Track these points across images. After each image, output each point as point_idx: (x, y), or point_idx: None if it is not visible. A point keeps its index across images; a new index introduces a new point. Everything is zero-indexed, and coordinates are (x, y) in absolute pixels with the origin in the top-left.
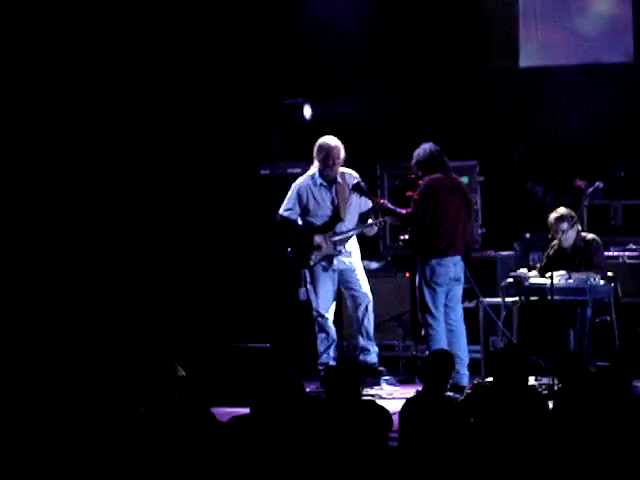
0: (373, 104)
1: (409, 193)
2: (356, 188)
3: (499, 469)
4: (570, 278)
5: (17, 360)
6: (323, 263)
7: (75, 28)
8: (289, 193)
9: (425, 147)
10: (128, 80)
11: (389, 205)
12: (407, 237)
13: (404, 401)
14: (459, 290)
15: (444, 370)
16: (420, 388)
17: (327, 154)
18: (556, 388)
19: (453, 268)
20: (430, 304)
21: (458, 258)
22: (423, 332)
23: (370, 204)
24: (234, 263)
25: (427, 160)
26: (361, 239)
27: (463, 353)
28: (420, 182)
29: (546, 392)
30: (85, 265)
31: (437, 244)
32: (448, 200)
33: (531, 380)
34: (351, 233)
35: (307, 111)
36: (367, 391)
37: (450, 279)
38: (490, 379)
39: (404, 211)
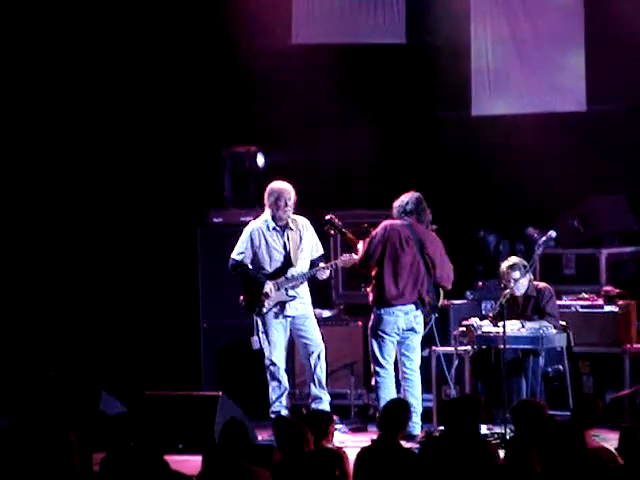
0: (326, 152)
1: (359, 241)
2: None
3: None
4: (523, 327)
5: None
6: (275, 310)
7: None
8: (241, 237)
9: (403, 197)
10: (82, 124)
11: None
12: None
13: (358, 450)
14: (415, 339)
15: (401, 418)
16: (373, 437)
17: (278, 196)
18: (508, 437)
19: (404, 317)
20: (377, 353)
21: (411, 307)
22: (373, 381)
23: (321, 250)
24: (186, 310)
25: (412, 205)
26: (313, 287)
27: (416, 402)
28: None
29: (498, 441)
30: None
31: (384, 294)
32: (397, 248)
33: (483, 429)
34: (303, 278)
35: (260, 159)
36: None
37: (401, 329)
38: (442, 428)
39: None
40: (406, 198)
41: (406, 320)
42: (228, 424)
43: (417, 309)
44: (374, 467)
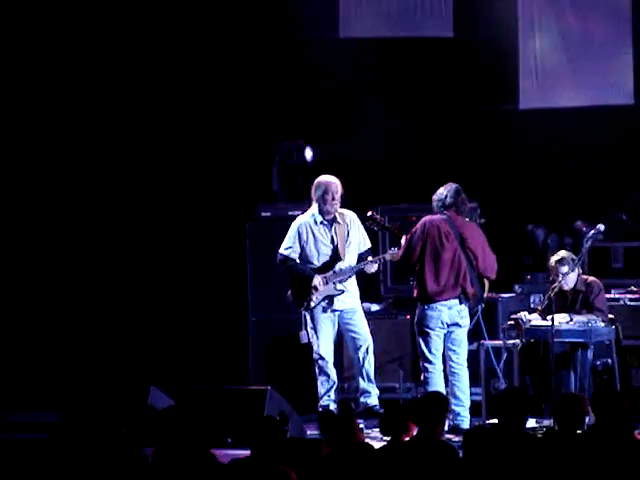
0: (374, 146)
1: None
2: (370, 220)
3: None
4: (572, 320)
5: None
6: (323, 304)
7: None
8: (289, 232)
9: (442, 189)
10: (129, 119)
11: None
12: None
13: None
14: (461, 333)
15: (437, 412)
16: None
17: (325, 190)
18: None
19: (447, 313)
20: (424, 349)
21: (454, 302)
22: (422, 376)
23: (369, 244)
24: (234, 303)
25: (436, 204)
26: (362, 281)
27: (464, 395)
28: None
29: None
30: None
31: (426, 290)
32: (438, 243)
33: (532, 422)
34: (351, 272)
35: (308, 153)
36: (368, 433)
37: (446, 324)
38: (491, 421)
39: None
40: (445, 191)
41: (450, 315)
42: (263, 420)
43: (461, 303)
44: (413, 461)
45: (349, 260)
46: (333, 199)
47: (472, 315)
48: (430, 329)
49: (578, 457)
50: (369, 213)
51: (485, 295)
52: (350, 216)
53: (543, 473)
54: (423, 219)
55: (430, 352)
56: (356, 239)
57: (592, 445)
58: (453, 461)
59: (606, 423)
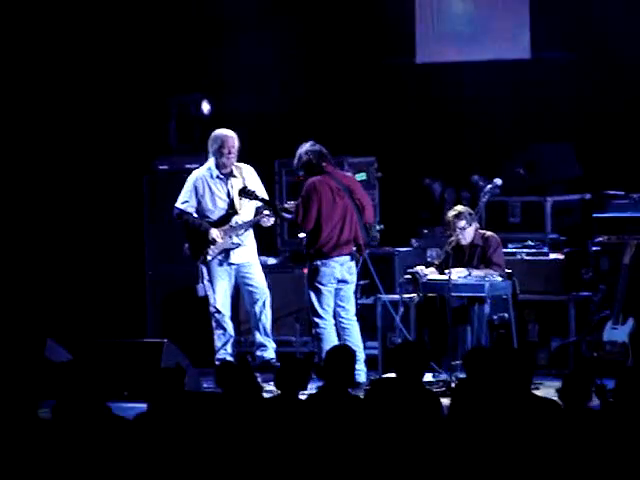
0: (271, 100)
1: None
2: (242, 192)
3: (398, 467)
4: (470, 275)
5: None
6: (220, 257)
7: None
8: (185, 186)
9: (303, 150)
10: (28, 70)
11: (279, 209)
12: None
13: (305, 398)
14: (349, 289)
15: (346, 365)
16: (319, 384)
17: (222, 144)
18: (453, 385)
19: (339, 269)
20: (316, 304)
21: (346, 258)
22: (313, 331)
23: (266, 196)
24: (131, 257)
25: (306, 163)
26: (259, 234)
27: (358, 350)
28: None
29: (443, 389)
30: None
31: (321, 246)
32: (331, 202)
33: (428, 377)
34: (247, 225)
35: (205, 106)
36: (264, 386)
37: (337, 280)
38: (388, 375)
39: (290, 217)
40: (317, 147)
41: (341, 271)
42: (161, 371)
43: (352, 260)
44: (321, 415)
45: (245, 214)
46: (230, 153)
47: (357, 261)
48: (322, 285)
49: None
50: (240, 186)
51: (369, 241)
52: (247, 169)
53: (442, 427)
54: (310, 181)
55: (322, 307)
56: (251, 187)
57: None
58: (360, 414)
59: (503, 378)
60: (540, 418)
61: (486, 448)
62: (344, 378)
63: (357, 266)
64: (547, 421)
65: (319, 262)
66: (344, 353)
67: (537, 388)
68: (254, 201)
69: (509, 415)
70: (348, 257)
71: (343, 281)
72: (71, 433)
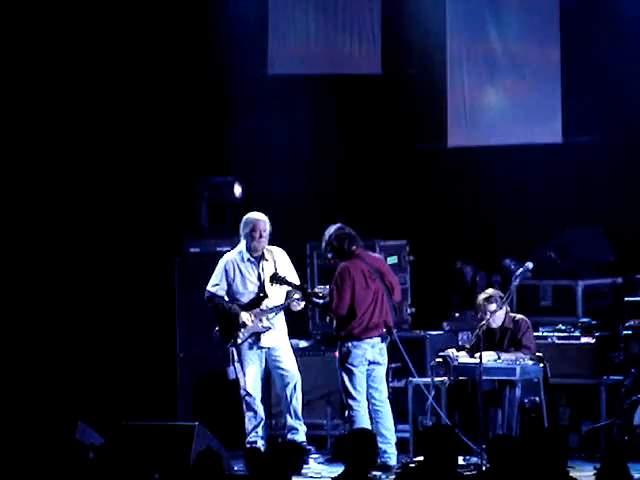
0: (303, 182)
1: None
2: (273, 278)
3: None
4: (499, 358)
5: None
6: (250, 341)
7: None
8: (216, 269)
9: (332, 235)
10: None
11: (310, 294)
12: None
13: None
14: (381, 371)
15: (365, 449)
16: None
17: (253, 227)
18: (484, 468)
19: (371, 351)
20: (349, 386)
21: (377, 340)
22: (346, 414)
23: (298, 281)
24: (163, 340)
25: (337, 248)
26: (290, 317)
27: (389, 432)
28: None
29: (474, 472)
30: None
31: (351, 329)
32: (364, 285)
33: (459, 460)
34: (278, 309)
35: (237, 189)
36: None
37: (368, 361)
38: (419, 458)
39: (321, 302)
40: (346, 230)
41: (372, 352)
42: (202, 454)
43: (382, 341)
44: None
45: (276, 297)
46: (261, 236)
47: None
48: (354, 366)
49: None
50: (271, 272)
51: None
52: (278, 253)
53: None
54: (343, 266)
55: (355, 389)
56: (281, 273)
57: None
58: None
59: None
60: None
61: None
62: (364, 461)
63: (387, 347)
64: None
65: (350, 344)
66: (364, 437)
67: (568, 472)
68: (285, 286)
69: None
70: (379, 339)
71: (374, 362)
72: None
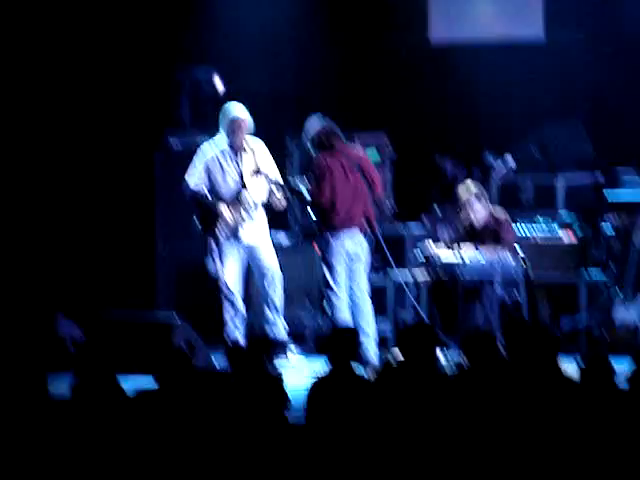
0: (285, 77)
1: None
2: (255, 173)
3: (409, 447)
4: (479, 253)
5: None
6: (229, 233)
7: None
8: (194, 160)
9: (312, 127)
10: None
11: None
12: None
13: (313, 374)
14: (361, 266)
15: (349, 346)
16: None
17: (233, 120)
18: (463, 364)
19: (351, 242)
20: (329, 279)
21: (357, 233)
22: (326, 307)
23: (277, 175)
24: (142, 233)
25: (317, 141)
26: (270, 211)
27: (369, 327)
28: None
29: (455, 370)
30: None
31: (332, 221)
32: (343, 177)
33: (440, 357)
34: (257, 203)
35: (219, 83)
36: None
37: (349, 255)
38: (398, 351)
39: (303, 194)
40: (326, 123)
41: (353, 245)
42: (170, 352)
43: (363, 235)
44: (327, 396)
45: (255, 190)
46: (240, 130)
47: (372, 244)
48: (334, 259)
49: (492, 394)
50: (254, 167)
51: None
52: (258, 144)
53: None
54: (322, 157)
55: (335, 281)
56: (264, 169)
57: (505, 382)
58: (369, 395)
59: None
60: (568, 396)
61: (507, 430)
62: (348, 356)
63: (368, 241)
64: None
65: (329, 235)
66: (347, 332)
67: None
68: (265, 180)
69: (536, 393)
70: (359, 232)
71: (355, 256)
72: (84, 410)
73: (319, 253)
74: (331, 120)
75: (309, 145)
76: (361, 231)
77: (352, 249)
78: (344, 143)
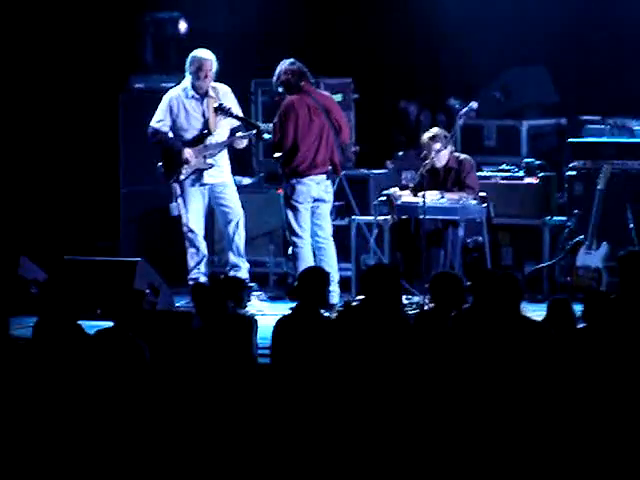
0: (249, 20)
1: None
2: (218, 109)
3: (370, 387)
4: (443, 198)
5: None
6: (193, 177)
7: None
8: (160, 105)
9: (282, 68)
10: None
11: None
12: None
13: (277, 318)
14: (325, 208)
15: (319, 287)
16: (291, 305)
17: (199, 66)
18: (426, 307)
19: (316, 188)
20: (293, 223)
21: (322, 177)
22: (290, 251)
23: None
24: (106, 176)
25: (285, 82)
26: (234, 155)
27: (333, 270)
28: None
29: (416, 311)
30: None
31: (297, 164)
32: (308, 120)
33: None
34: (221, 146)
35: (182, 25)
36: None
37: (313, 198)
38: (360, 297)
39: (267, 137)
40: (296, 65)
41: (318, 189)
42: (127, 292)
43: (328, 178)
44: (293, 336)
45: (220, 134)
46: (206, 76)
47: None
48: (299, 203)
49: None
50: (216, 104)
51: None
52: (223, 90)
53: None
54: (287, 100)
55: (299, 226)
56: (226, 105)
57: (471, 324)
58: (333, 336)
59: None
60: (531, 340)
61: (475, 372)
62: (317, 299)
63: (333, 186)
64: (538, 343)
65: (295, 181)
66: (317, 274)
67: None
68: (229, 121)
69: (501, 338)
70: (324, 176)
71: (320, 200)
72: (45, 350)
73: (284, 197)
74: (302, 64)
75: (277, 85)
76: (326, 175)
77: (317, 194)
78: (313, 87)
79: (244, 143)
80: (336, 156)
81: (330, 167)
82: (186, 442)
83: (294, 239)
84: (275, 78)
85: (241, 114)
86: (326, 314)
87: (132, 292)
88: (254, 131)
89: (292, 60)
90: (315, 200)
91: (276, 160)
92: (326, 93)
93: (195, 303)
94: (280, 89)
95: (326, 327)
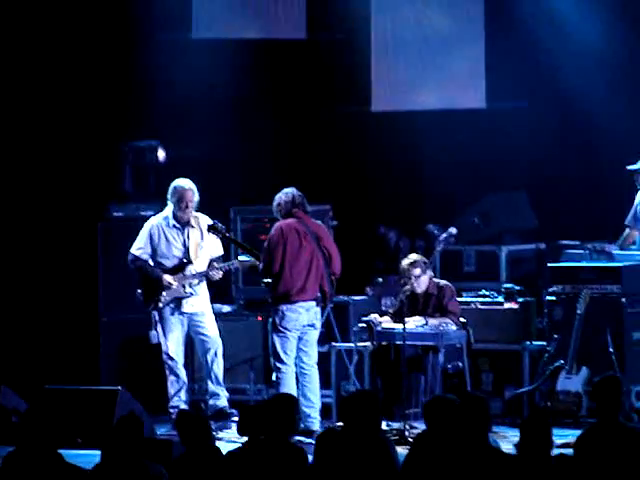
0: (228, 148)
1: (263, 237)
2: (212, 229)
3: None
4: (426, 324)
5: None
6: (172, 306)
7: None
8: (141, 232)
9: (277, 195)
10: None
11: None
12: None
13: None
14: (313, 335)
15: (286, 414)
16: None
17: (181, 197)
18: (407, 434)
19: (305, 314)
20: (279, 349)
21: (312, 304)
22: (274, 377)
23: (221, 250)
24: (85, 304)
25: (280, 205)
26: (214, 282)
27: (315, 397)
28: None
29: (396, 438)
30: None
31: (286, 290)
32: (298, 245)
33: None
34: (200, 276)
35: (161, 153)
36: (217, 434)
37: (302, 325)
38: (341, 424)
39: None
40: (285, 196)
41: (308, 316)
42: (123, 418)
43: (317, 305)
44: (261, 463)
45: (199, 264)
46: (187, 207)
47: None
48: (287, 330)
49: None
50: (210, 222)
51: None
52: (203, 219)
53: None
54: (278, 224)
55: (285, 352)
56: (209, 244)
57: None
58: (302, 464)
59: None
60: (497, 470)
61: None
62: (286, 427)
63: (323, 314)
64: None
65: (285, 307)
66: (287, 402)
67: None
68: (209, 251)
69: (467, 467)
70: (314, 302)
71: (310, 325)
72: None
73: (271, 323)
74: (300, 194)
75: (275, 212)
76: (315, 302)
77: (308, 320)
78: (307, 214)
79: (219, 275)
80: (326, 285)
81: (319, 294)
82: None
83: (278, 365)
84: (275, 204)
85: (221, 250)
86: (307, 440)
87: (126, 419)
88: (235, 262)
89: (290, 189)
90: (305, 326)
91: (266, 285)
92: (318, 222)
93: (179, 432)
94: (277, 214)
95: (295, 455)
